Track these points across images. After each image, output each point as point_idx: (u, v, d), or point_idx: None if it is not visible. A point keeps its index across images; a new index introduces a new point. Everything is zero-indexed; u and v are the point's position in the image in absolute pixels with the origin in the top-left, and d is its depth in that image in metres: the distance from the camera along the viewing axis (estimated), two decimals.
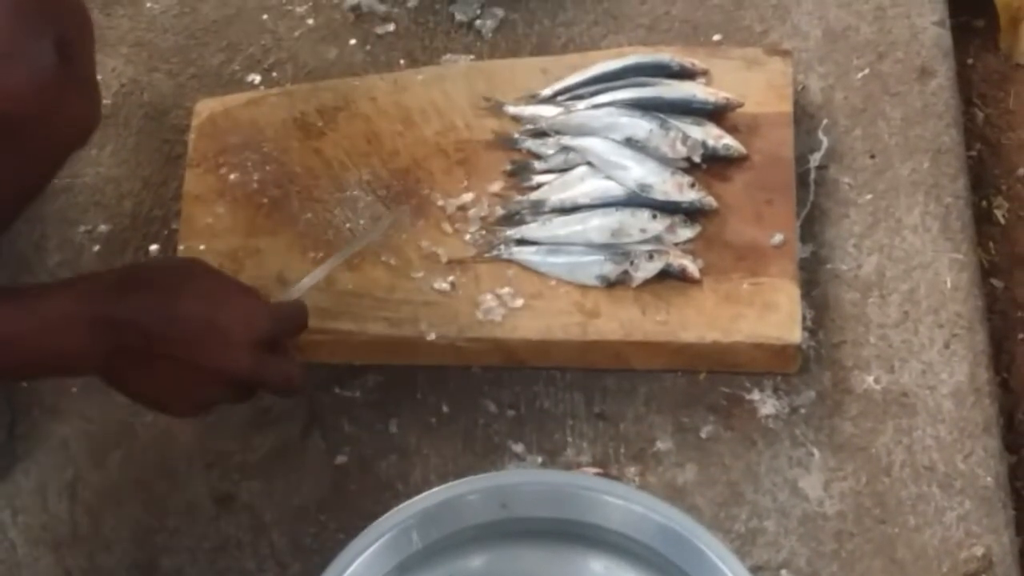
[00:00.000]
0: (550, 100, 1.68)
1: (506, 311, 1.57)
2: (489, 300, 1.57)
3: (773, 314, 1.55)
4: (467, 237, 1.61)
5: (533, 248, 1.59)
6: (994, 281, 1.74)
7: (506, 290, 1.58)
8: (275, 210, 1.64)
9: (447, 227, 1.62)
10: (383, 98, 1.70)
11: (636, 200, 1.59)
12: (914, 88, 1.74)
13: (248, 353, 1.37)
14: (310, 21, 1.82)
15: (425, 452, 1.56)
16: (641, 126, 1.62)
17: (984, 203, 1.79)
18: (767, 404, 1.56)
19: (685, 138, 1.61)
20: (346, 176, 1.65)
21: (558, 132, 1.65)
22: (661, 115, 1.62)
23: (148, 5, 1.84)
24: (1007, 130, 1.86)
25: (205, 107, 1.71)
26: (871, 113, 1.72)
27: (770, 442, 1.55)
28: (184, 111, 1.74)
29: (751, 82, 1.67)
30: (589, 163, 1.62)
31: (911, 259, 1.64)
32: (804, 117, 1.71)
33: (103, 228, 1.69)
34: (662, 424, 1.56)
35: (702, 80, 1.68)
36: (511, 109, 1.68)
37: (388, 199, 1.63)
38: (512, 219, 1.62)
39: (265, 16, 1.83)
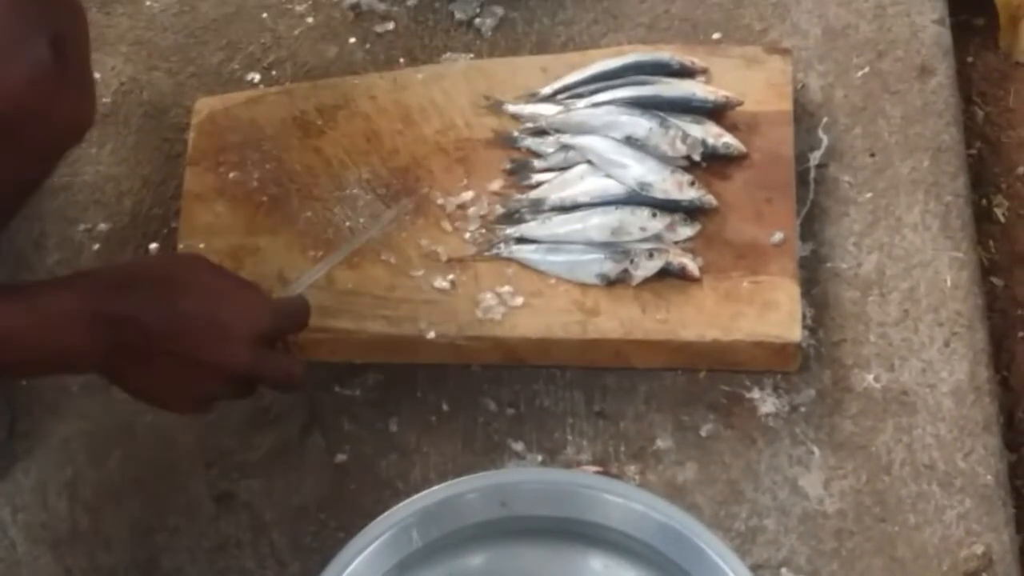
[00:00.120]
0: (550, 98, 1.68)
1: (506, 309, 1.57)
2: (489, 298, 1.57)
3: (773, 312, 1.55)
4: (467, 235, 1.61)
5: (533, 246, 1.59)
6: (994, 279, 1.74)
7: (506, 288, 1.58)
8: (275, 208, 1.64)
9: (447, 225, 1.62)
10: (383, 96, 1.70)
11: (636, 198, 1.59)
12: (914, 86, 1.74)
13: (248, 349, 1.37)
14: (310, 19, 1.82)
15: (425, 450, 1.56)
16: (641, 124, 1.62)
17: (984, 201, 1.79)
18: (767, 402, 1.56)
19: (685, 136, 1.61)
20: (346, 174, 1.65)
21: (558, 130, 1.65)
22: (661, 113, 1.62)
23: (147, 3, 1.84)
24: (1007, 128, 1.86)
25: (205, 105, 1.71)
26: (871, 111, 1.72)
27: (770, 440, 1.55)
28: (184, 109, 1.74)
29: (751, 80, 1.67)
30: (589, 161, 1.62)
31: (911, 257, 1.64)
32: (804, 115, 1.71)
33: (103, 226, 1.69)
34: (662, 422, 1.56)
35: (702, 78, 1.68)
36: (511, 107, 1.68)
37: (388, 197, 1.63)
38: (512, 217, 1.62)
39: (265, 15, 1.83)
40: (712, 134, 1.63)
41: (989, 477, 1.53)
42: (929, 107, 1.72)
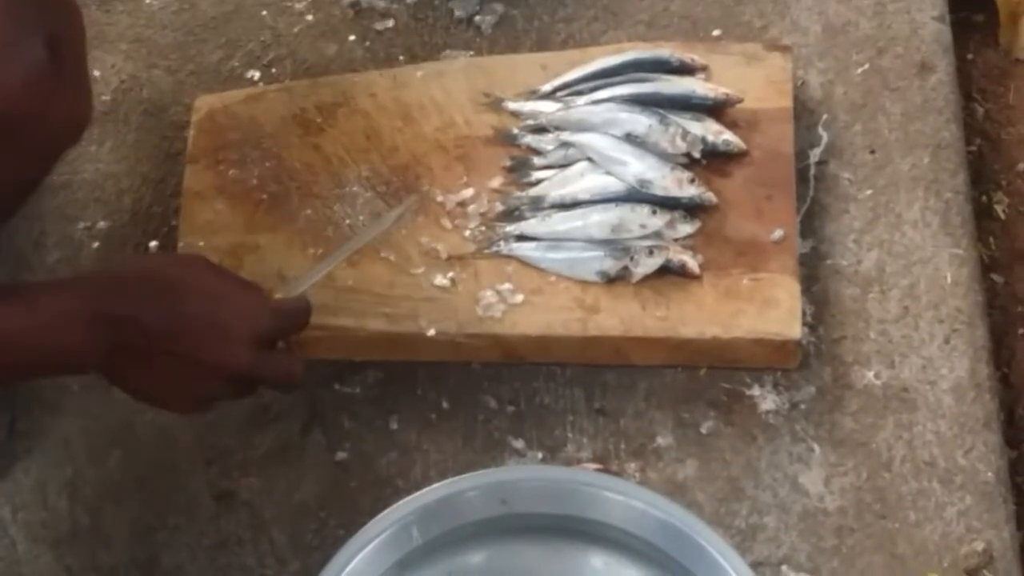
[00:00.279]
0: (550, 96, 1.68)
1: (506, 307, 1.57)
2: (489, 296, 1.57)
3: (773, 310, 1.55)
4: (467, 233, 1.61)
5: (533, 244, 1.59)
6: (994, 276, 1.74)
7: (506, 286, 1.58)
8: (274, 206, 1.64)
9: (447, 223, 1.62)
10: (382, 94, 1.70)
11: (636, 196, 1.59)
12: (914, 83, 1.74)
13: (248, 349, 1.37)
14: (309, 17, 1.82)
15: (425, 448, 1.56)
16: (641, 122, 1.62)
17: (984, 198, 1.79)
18: (767, 400, 1.56)
19: (685, 134, 1.61)
20: (345, 172, 1.65)
21: (558, 128, 1.65)
22: (661, 111, 1.62)
23: (147, 1, 1.84)
24: (1007, 125, 1.86)
25: (204, 103, 1.71)
26: (871, 108, 1.72)
27: (770, 438, 1.55)
28: (183, 107, 1.74)
29: (751, 78, 1.67)
30: (589, 159, 1.62)
31: (911, 254, 1.64)
32: (804, 112, 1.71)
33: (102, 225, 1.69)
34: (662, 420, 1.56)
35: (701, 76, 1.68)
36: (511, 105, 1.68)
37: (387, 195, 1.63)
38: (512, 215, 1.62)
39: (264, 12, 1.82)
40: (712, 131, 1.63)
41: (989, 474, 1.53)
42: (929, 104, 1.72)
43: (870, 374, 1.58)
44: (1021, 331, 1.71)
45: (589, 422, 1.57)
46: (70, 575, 1.52)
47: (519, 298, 1.57)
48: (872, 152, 1.70)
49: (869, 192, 1.67)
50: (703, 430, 1.56)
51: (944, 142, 1.70)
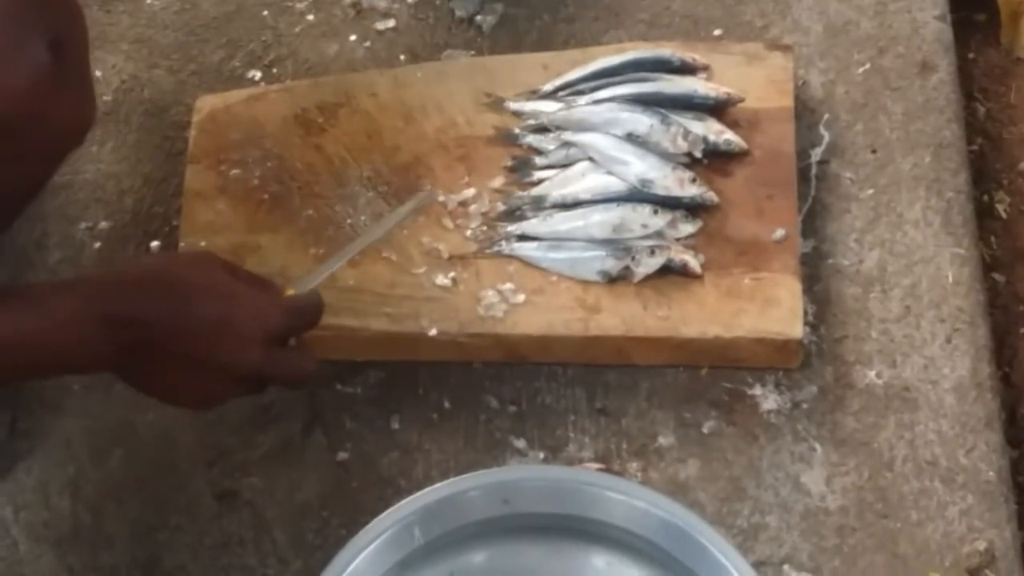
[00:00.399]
0: (551, 96, 1.68)
1: (507, 307, 1.57)
2: (490, 296, 1.57)
3: (775, 309, 1.55)
4: (468, 233, 1.61)
5: (534, 244, 1.59)
6: (996, 276, 1.74)
7: (507, 286, 1.58)
8: (276, 206, 1.64)
9: (448, 223, 1.62)
10: (384, 94, 1.70)
11: (637, 195, 1.59)
12: (915, 83, 1.74)
13: (260, 349, 1.37)
14: (310, 17, 1.82)
15: (427, 448, 1.56)
16: (642, 121, 1.61)
17: (985, 197, 1.79)
18: (769, 399, 1.56)
19: (686, 133, 1.61)
20: (347, 172, 1.65)
21: (559, 128, 1.65)
22: (662, 110, 1.62)
23: (148, 1, 1.84)
24: (1008, 124, 1.86)
25: (206, 103, 1.71)
26: (872, 108, 1.72)
27: (772, 437, 1.55)
28: (184, 107, 1.74)
29: (752, 77, 1.67)
30: (590, 159, 1.62)
31: (913, 254, 1.64)
32: (805, 112, 1.71)
33: (104, 225, 1.69)
34: (664, 419, 1.56)
35: (703, 75, 1.67)
36: (512, 105, 1.68)
37: (389, 195, 1.63)
38: (513, 215, 1.62)
39: (265, 12, 1.82)
40: (713, 131, 1.63)
41: (991, 473, 1.52)
42: (930, 103, 1.72)
43: (872, 373, 1.58)
44: (1022, 330, 1.71)
45: (591, 422, 1.57)
46: (72, 575, 1.52)
47: (521, 298, 1.57)
48: (873, 151, 1.70)
49: (870, 191, 1.67)
50: (705, 430, 1.56)
51: (945, 141, 1.70)
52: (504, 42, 1.79)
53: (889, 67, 1.75)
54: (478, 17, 1.80)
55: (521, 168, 1.64)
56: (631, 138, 1.61)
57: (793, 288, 1.56)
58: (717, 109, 1.65)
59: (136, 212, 1.70)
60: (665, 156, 1.61)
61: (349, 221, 1.62)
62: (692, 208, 1.60)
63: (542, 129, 1.65)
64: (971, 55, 1.89)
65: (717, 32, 1.77)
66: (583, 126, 1.63)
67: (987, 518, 1.50)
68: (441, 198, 1.63)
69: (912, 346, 1.59)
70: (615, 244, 1.58)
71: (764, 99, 1.66)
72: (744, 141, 1.63)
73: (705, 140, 1.62)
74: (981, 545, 1.49)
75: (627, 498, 1.38)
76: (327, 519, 1.53)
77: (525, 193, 1.63)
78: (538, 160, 1.64)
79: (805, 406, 1.56)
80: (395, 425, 1.57)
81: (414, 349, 1.58)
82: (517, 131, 1.66)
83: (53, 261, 1.67)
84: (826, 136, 1.70)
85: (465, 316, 1.57)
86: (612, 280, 1.57)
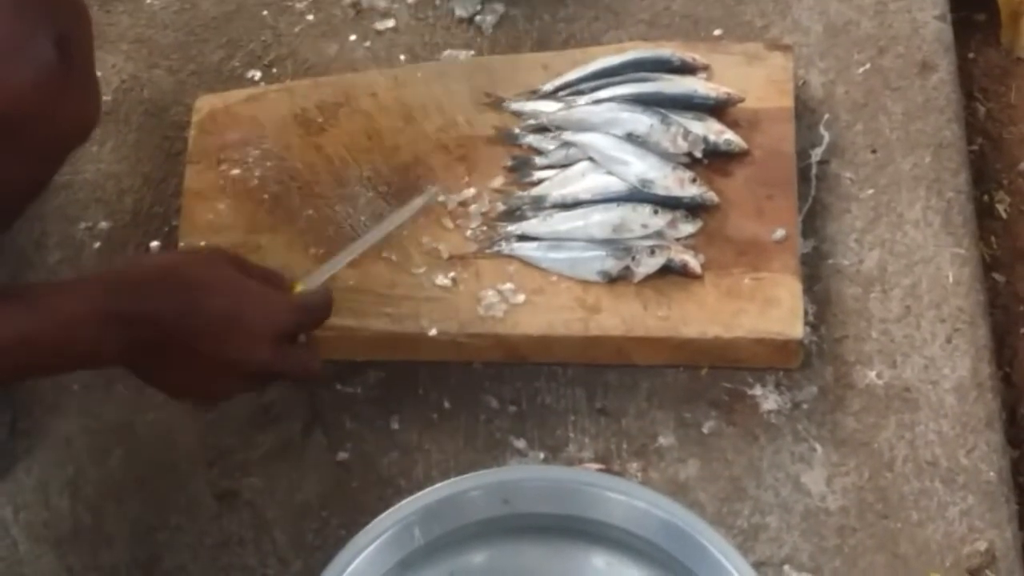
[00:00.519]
0: (551, 96, 1.68)
1: (507, 307, 1.57)
2: (490, 296, 1.57)
3: (775, 309, 1.55)
4: (468, 233, 1.61)
5: (534, 244, 1.59)
6: (996, 276, 1.74)
7: (507, 286, 1.58)
8: (276, 206, 1.64)
9: (448, 223, 1.62)
10: (384, 94, 1.70)
11: (637, 195, 1.59)
12: (915, 83, 1.73)
13: (269, 347, 1.38)
14: (310, 17, 1.82)
15: (427, 448, 1.56)
16: (642, 121, 1.61)
17: (986, 197, 1.79)
18: (769, 399, 1.56)
19: (686, 133, 1.61)
20: (347, 172, 1.65)
21: (559, 128, 1.65)
22: (662, 110, 1.62)
23: (148, 1, 1.84)
24: (1008, 124, 1.86)
25: (205, 103, 1.71)
26: (872, 108, 1.72)
27: (772, 437, 1.55)
28: (184, 107, 1.74)
29: (752, 77, 1.67)
30: (590, 159, 1.62)
31: (913, 254, 1.64)
32: (805, 112, 1.71)
33: (104, 225, 1.69)
34: (664, 420, 1.56)
35: (703, 75, 1.67)
36: (512, 105, 1.68)
37: (389, 195, 1.63)
38: (513, 215, 1.61)
39: (265, 12, 1.82)
40: (713, 131, 1.62)
41: (992, 473, 1.52)
42: (930, 103, 1.72)
43: (872, 374, 1.58)
44: (1023, 330, 1.71)
45: (591, 422, 1.57)
46: (71, 575, 1.52)
47: (521, 298, 1.57)
48: (873, 151, 1.70)
49: (871, 191, 1.67)
50: (705, 430, 1.55)
51: (946, 141, 1.70)
52: (504, 42, 1.79)
53: (889, 67, 1.75)
54: (478, 17, 1.80)
55: (521, 168, 1.64)
56: (631, 138, 1.61)
57: (793, 288, 1.56)
58: (717, 109, 1.65)
59: (136, 212, 1.70)
60: (665, 156, 1.61)
61: (349, 221, 1.62)
62: (692, 208, 1.60)
63: (542, 129, 1.65)
64: (971, 55, 1.89)
65: (717, 32, 1.77)
66: (583, 126, 1.63)
67: (988, 518, 1.50)
68: (441, 198, 1.63)
69: (912, 346, 1.59)
70: (615, 244, 1.58)
71: (764, 99, 1.66)
72: (744, 141, 1.63)
73: (705, 140, 1.62)
74: (982, 545, 1.49)
75: (627, 498, 1.38)
76: (327, 519, 1.53)
77: (525, 193, 1.63)
78: (538, 160, 1.64)
79: (805, 406, 1.56)
80: (395, 425, 1.57)
81: (414, 349, 1.58)
82: (517, 131, 1.66)
83: (53, 261, 1.67)
84: (826, 136, 1.70)
85: (465, 316, 1.57)
86: (612, 280, 1.57)
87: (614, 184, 1.60)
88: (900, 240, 1.64)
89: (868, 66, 1.75)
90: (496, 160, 1.65)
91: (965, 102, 1.78)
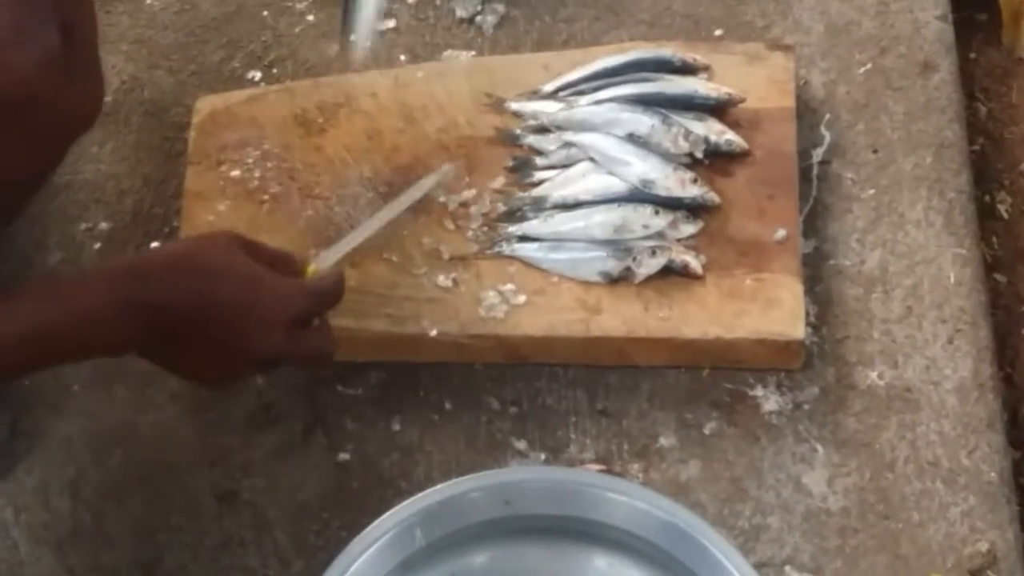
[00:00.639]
0: (552, 96, 1.68)
1: (508, 307, 1.57)
2: (491, 296, 1.57)
3: (776, 310, 1.55)
4: (469, 233, 1.61)
5: (535, 244, 1.59)
6: (997, 276, 1.74)
7: (508, 286, 1.58)
8: (276, 207, 1.64)
9: (449, 223, 1.61)
10: (384, 94, 1.70)
11: (638, 196, 1.59)
12: (916, 83, 1.73)
13: (283, 333, 1.39)
14: (310, 17, 1.82)
15: (428, 449, 1.56)
16: (643, 122, 1.61)
17: (987, 198, 1.79)
18: (770, 400, 1.56)
19: (687, 134, 1.61)
20: (347, 173, 1.65)
21: (560, 128, 1.64)
22: (663, 111, 1.62)
23: (148, 2, 1.84)
24: (1010, 124, 1.86)
25: (206, 104, 1.71)
26: (873, 108, 1.72)
27: (774, 438, 1.55)
28: (184, 108, 1.74)
29: (753, 77, 1.67)
30: (591, 159, 1.62)
31: (914, 254, 1.63)
32: (806, 112, 1.70)
33: (104, 225, 1.69)
34: (665, 420, 1.56)
35: (704, 75, 1.67)
36: (513, 105, 1.68)
37: (389, 196, 1.63)
38: (514, 215, 1.61)
39: (265, 12, 1.82)
40: (714, 131, 1.62)
41: (993, 474, 1.52)
42: (932, 103, 1.72)
43: (873, 374, 1.57)
44: None
45: (592, 423, 1.57)
46: None
47: (521, 299, 1.57)
48: (875, 152, 1.69)
49: (872, 192, 1.67)
50: (706, 431, 1.55)
51: (947, 141, 1.70)
52: (504, 42, 1.78)
53: (890, 67, 1.74)
54: (478, 17, 1.80)
55: (522, 169, 1.64)
56: (632, 138, 1.61)
57: (794, 289, 1.56)
58: (718, 109, 1.65)
59: (136, 213, 1.70)
60: (666, 156, 1.61)
61: (349, 222, 1.62)
62: (693, 209, 1.60)
63: (543, 129, 1.65)
64: (973, 55, 1.89)
65: (718, 32, 1.77)
66: (584, 126, 1.63)
67: (989, 519, 1.50)
68: (442, 199, 1.63)
69: (914, 347, 1.59)
70: (616, 245, 1.57)
71: (765, 99, 1.66)
72: (745, 141, 1.63)
73: (706, 140, 1.61)
74: (983, 546, 1.49)
75: (628, 499, 1.38)
76: (328, 520, 1.53)
77: (526, 194, 1.63)
78: (539, 161, 1.64)
79: (807, 407, 1.56)
80: (396, 426, 1.57)
81: (415, 350, 1.57)
82: (518, 131, 1.66)
83: (53, 261, 1.67)
84: (827, 136, 1.70)
85: (466, 317, 1.56)
86: (613, 281, 1.57)
87: (615, 185, 1.60)
88: (901, 240, 1.64)
89: (869, 66, 1.75)
90: (497, 161, 1.65)
91: (966, 102, 1.78)
